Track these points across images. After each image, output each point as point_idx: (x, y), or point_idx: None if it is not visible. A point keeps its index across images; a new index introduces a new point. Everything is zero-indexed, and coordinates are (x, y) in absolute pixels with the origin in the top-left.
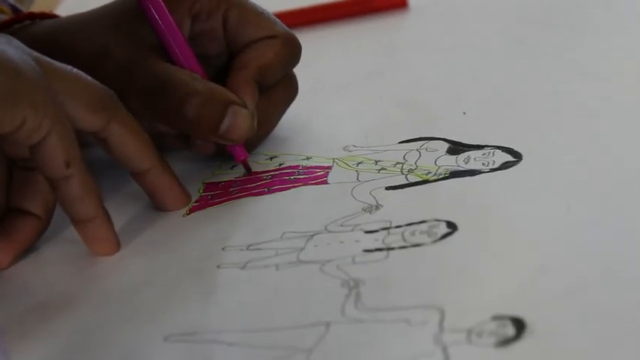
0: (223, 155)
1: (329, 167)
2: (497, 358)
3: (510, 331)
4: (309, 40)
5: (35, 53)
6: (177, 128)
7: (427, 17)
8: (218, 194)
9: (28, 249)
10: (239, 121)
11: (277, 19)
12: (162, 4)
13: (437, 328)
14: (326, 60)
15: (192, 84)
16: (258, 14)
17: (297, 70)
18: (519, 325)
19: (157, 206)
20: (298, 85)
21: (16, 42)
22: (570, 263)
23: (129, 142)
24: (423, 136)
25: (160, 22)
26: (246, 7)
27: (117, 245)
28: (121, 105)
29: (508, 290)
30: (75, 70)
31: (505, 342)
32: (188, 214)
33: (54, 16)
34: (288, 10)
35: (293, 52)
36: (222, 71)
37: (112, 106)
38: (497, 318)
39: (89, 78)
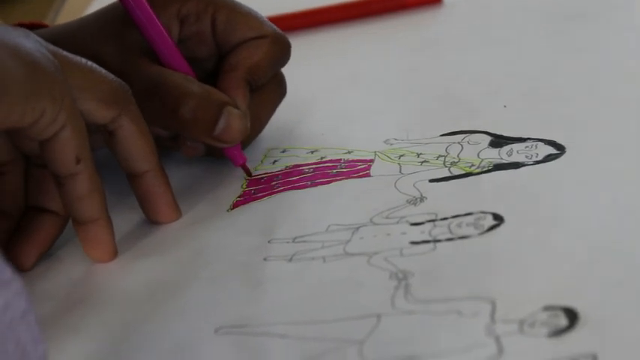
0: (213, 156)
1: (371, 160)
2: (551, 348)
3: (563, 321)
4: (345, 36)
5: (51, 46)
6: (172, 130)
7: (461, 13)
8: (261, 189)
9: (50, 247)
10: (233, 122)
11: (265, 19)
12: (149, 8)
13: (488, 319)
14: (361, 56)
15: (187, 85)
16: (246, 15)
17: (331, 65)
18: (572, 315)
19: (149, 215)
20: (286, 85)
21: (33, 35)
22: (619, 253)
23: (135, 139)
24: (463, 129)
25: (147, 26)
26: (234, 8)
27: (115, 252)
28: (132, 100)
29: (558, 281)
30: (89, 62)
31: (558, 332)
32: (232, 209)
33: (44, 26)
34: (324, 7)
35: (282, 51)
36: (211, 74)
37: (124, 100)
38: (548, 309)
39: (103, 71)
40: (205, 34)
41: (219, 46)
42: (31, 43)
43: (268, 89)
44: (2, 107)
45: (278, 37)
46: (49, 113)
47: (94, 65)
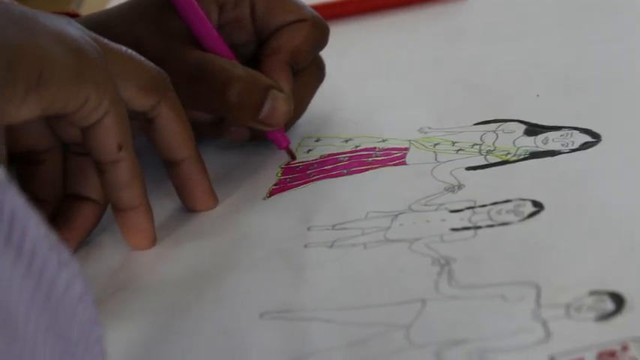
0: (257, 140)
1: (406, 149)
2: (600, 332)
3: (609, 305)
4: (374, 27)
5: (92, 34)
6: (217, 114)
7: (487, 4)
8: (296, 177)
9: (89, 234)
10: (278, 105)
11: (303, 3)
12: None
13: (534, 304)
14: (390, 46)
15: (232, 70)
16: None
17: (363, 55)
18: (618, 300)
19: (186, 202)
20: (325, 69)
21: (75, 23)
22: None
23: (174, 126)
24: (497, 118)
25: (189, 12)
26: None
27: (154, 239)
28: (171, 88)
29: (602, 266)
30: (129, 50)
31: (605, 316)
32: (268, 197)
33: (76, 15)
34: None
35: (322, 35)
36: (249, 59)
37: (163, 87)
38: (594, 293)
39: (142, 58)
40: (244, 20)
41: (258, 31)
42: (74, 29)
43: (308, 73)
44: (48, 93)
45: (317, 21)
46: (93, 100)
47: (134, 53)
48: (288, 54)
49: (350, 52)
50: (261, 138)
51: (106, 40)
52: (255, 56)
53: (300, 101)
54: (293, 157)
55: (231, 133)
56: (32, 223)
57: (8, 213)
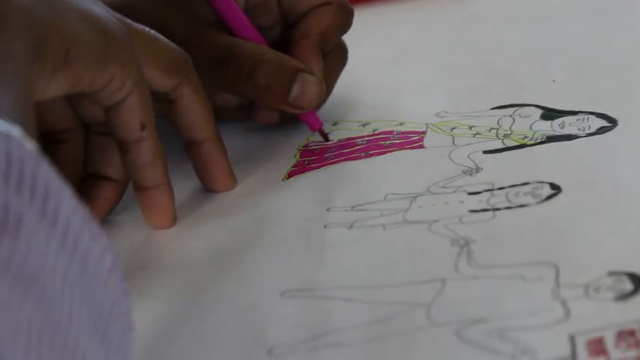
0: (287, 124)
1: (423, 132)
2: (619, 312)
3: (628, 286)
4: (392, 12)
5: (117, 14)
6: (246, 97)
7: None
8: (314, 159)
9: (109, 213)
10: (308, 88)
11: None
12: None
13: (553, 283)
14: (407, 31)
15: (261, 53)
16: None
17: (378, 41)
18: (637, 280)
19: (206, 183)
20: (348, 53)
21: (100, 3)
22: None
23: (195, 107)
24: (514, 102)
25: None
26: None
27: (174, 218)
28: (193, 69)
29: (621, 247)
30: (152, 31)
31: (624, 296)
32: (287, 179)
33: None
34: None
35: (347, 17)
36: (275, 43)
37: (185, 68)
38: (613, 274)
39: (165, 39)
40: (270, 4)
41: (284, 14)
42: (100, 9)
43: (333, 56)
44: (75, 71)
45: (342, 4)
46: (118, 79)
47: (157, 34)
48: (318, 37)
49: (367, 37)
50: (291, 121)
51: (129, 21)
52: (281, 39)
53: (327, 84)
54: (326, 138)
55: (260, 116)
56: (65, 197)
57: (42, 187)
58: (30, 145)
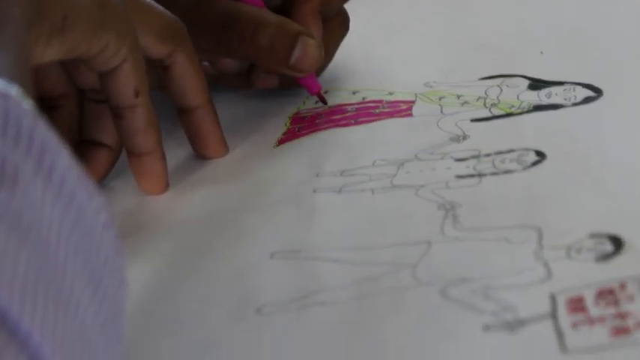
0: (286, 89)
1: (412, 101)
2: (599, 272)
3: (608, 247)
4: None
5: None
6: (248, 59)
7: None
8: (305, 126)
9: (103, 179)
10: (309, 50)
11: None
12: None
13: (536, 245)
14: (399, 5)
15: (263, 16)
16: None
17: (369, 14)
18: (617, 242)
19: (198, 149)
20: (349, 21)
21: None
22: None
23: (189, 74)
24: (502, 73)
25: None
26: None
27: (167, 184)
28: (188, 37)
29: (602, 211)
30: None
31: (605, 257)
32: (277, 146)
33: None
34: None
35: None
36: (277, 9)
37: (179, 36)
38: (594, 236)
39: (160, 8)
40: None
41: None
42: None
43: (335, 23)
44: (71, 38)
45: None
46: (114, 45)
47: (152, 2)
48: (319, 1)
49: (360, 9)
50: (290, 85)
51: None
52: (282, 5)
53: (327, 50)
54: (324, 101)
55: (260, 80)
56: (61, 154)
57: (39, 142)
58: (27, 104)
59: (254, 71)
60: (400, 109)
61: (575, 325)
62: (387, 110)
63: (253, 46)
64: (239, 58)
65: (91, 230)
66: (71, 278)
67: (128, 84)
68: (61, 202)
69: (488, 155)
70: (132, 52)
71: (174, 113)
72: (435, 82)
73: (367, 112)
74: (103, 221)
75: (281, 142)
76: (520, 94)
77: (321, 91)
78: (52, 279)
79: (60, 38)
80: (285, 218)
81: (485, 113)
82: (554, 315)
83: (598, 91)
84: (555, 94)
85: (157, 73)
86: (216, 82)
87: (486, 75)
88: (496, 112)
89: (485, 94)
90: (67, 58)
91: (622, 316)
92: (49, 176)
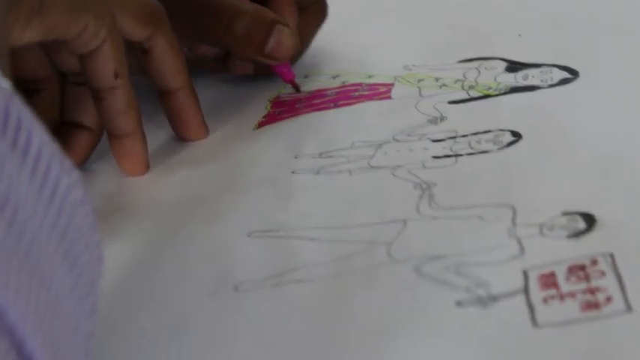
0: (261, 76)
1: (391, 84)
2: (571, 248)
3: (581, 224)
4: None
5: None
6: (224, 47)
7: None
8: (285, 110)
9: (84, 161)
10: (283, 39)
11: None
12: None
13: (510, 223)
14: None
15: (240, 5)
16: None
17: None
18: (589, 219)
19: (179, 131)
20: (328, 9)
21: None
22: (632, 164)
23: (169, 57)
24: (480, 56)
25: None
26: None
27: (147, 166)
28: (167, 21)
29: (576, 190)
30: None
31: (577, 234)
32: (257, 128)
33: None
34: None
35: None
36: None
37: (159, 20)
38: (567, 214)
39: None
40: None
41: None
42: None
43: (312, 11)
44: (49, 19)
45: None
46: (92, 27)
47: None
48: None
49: None
50: (265, 73)
51: None
52: None
53: (304, 38)
54: (297, 89)
55: (236, 67)
56: (37, 131)
57: (15, 120)
58: (4, 83)
59: (230, 58)
60: (379, 92)
61: (546, 300)
62: (366, 93)
63: (230, 34)
64: (215, 45)
65: (66, 206)
66: (46, 255)
67: (107, 66)
68: (36, 179)
69: (464, 136)
70: (111, 34)
71: (154, 97)
72: (414, 65)
73: (346, 95)
74: (79, 197)
75: (261, 124)
76: (497, 76)
77: (295, 79)
78: (27, 255)
79: (38, 19)
80: (263, 199)
81: (463, 95)
82: (526, 291)
83: (574, 73)
84: (532, 76)
85: (137, 57)
86: (196, 67)
87: (464, 57)
88: (474, 94)
89: (464, 76)
90: (46, 40)
91: (592, 291)
92: (25, 153)
